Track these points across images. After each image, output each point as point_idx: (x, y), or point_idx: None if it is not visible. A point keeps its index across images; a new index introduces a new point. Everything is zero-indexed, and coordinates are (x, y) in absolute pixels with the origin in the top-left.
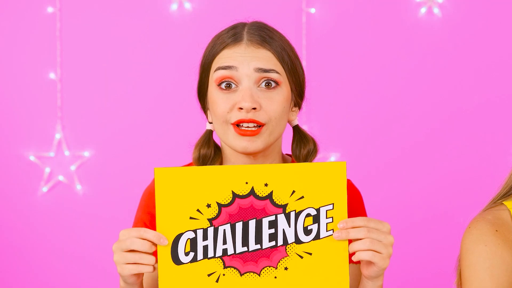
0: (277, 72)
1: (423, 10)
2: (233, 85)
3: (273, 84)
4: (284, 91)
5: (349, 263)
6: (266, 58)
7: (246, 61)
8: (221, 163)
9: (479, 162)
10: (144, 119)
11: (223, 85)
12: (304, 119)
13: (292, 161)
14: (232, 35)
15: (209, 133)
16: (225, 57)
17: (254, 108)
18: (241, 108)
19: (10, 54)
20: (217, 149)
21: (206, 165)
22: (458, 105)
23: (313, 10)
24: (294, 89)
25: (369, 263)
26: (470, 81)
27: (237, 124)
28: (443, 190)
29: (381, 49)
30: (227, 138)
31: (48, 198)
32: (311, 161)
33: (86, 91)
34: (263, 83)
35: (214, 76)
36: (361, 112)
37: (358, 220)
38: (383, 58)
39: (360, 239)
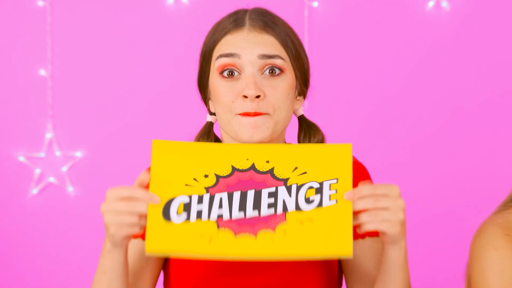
0: (281, 58)
1: (430, 3)
2: (236, 73)
3: (277, 71)
4: (288, 78)
5: (366, 236)
6: (269, 44)
7: (249, 47)
8: None
9: (490, 163)
10: (139, 118)
11: (225, 73)
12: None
13: None
14: (234, 20)
15: (209, 125)
16: (227, 44)
17: (258, 96)
18: (245, 97)
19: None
20: (218, 142)
21: None
22: (468, 102)
23: (315, 4)
24: (299, 76)
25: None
26: (480, 77)
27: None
28: (451, 192)
29: (387, 44)
30: (231, 128)
31: (39, 201)
32: None
33: (78, 89)
34: (267, 70)
35: (216, 64)
36: (364, 109)
37: (364, 189)
38: (389, 54)
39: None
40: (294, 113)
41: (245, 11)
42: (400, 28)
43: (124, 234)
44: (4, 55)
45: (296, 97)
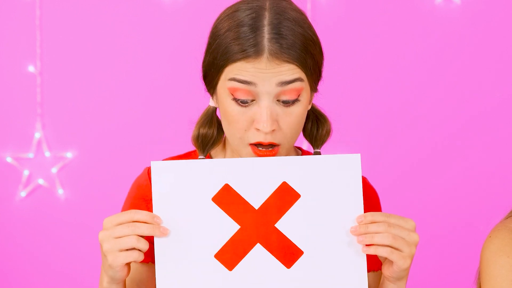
0: (301, 80)
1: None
2: (249, 101)
3: (290, 102)
4: (304, 100)
5: (368, 271)
6: (289, 71)
7: (267, 77)
8: (223, 146)
9: (500, 168)
10: (133, 117)
11: (239, 100)
12: None
13: (304, 153)
14: (253, 42)
15: (213, 110)
16: (242, 70)
17: (273, 130)
18: (258, 130)
19: None
20: (220, 129)
21: (205, 147)
22: (479, 103)
23: None
24: (313, 84)
25: (389, 262)
26: (492, 74)
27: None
28: (460, 196)
29: (394, 40)
30: (239, 149)
31: (27, 204)
32: (325, 141)
33: (69, 86)
34: (282, 100)
35: (228, 84)
36: (369, 108)
37: (377, 215)
38: (396, 50)
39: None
40: None
41: (263, 23)
42: (409, 24)
43: (122, 262)
44: None
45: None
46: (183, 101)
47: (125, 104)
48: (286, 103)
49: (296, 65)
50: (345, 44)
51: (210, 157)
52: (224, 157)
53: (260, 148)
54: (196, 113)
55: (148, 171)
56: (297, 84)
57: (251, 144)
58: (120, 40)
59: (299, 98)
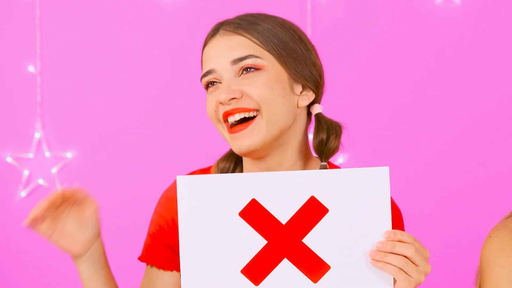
0: (256, 56)
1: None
2: (216, 82)
3: (252, 69)
4: (269, 74)
5: None
6: (240, 44)
7: (220, 55)
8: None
9: (501, 167)
10: (133, 116)
11: (209, 85)
12: None
13: (331, 167)
14: (212, 29)
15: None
16: (204, 59)
17: (235, 99)
18: (221, 103)
19: None
20: (239, 162)
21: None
22: (478, 103)
23: None
24: (293, 70)
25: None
26: (493, 74)
27: (229, 123)
28: (460, 194)
29: (394, 40)
30: (227, 141)
31: (27, 204)
32: (332, 155)
33: (68, 86)
34: (243, 72)
35: (203, 83)
36: (368, 110)
37: (406, 236)
38: (396, 50)
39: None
40: (311, 110)
41: (225, 20)
42: (409, 24)
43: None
44: None
45: (300, 93)
46: (183, 101)
47: (125, 104)
48: (246, 71)
49: (250, 39)
50: (345, 44)
51: None
52: None
53: (232, 126)
54: (196, 113)
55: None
56: (250, 60)
57: (225, 123)
58: (120, 40)
59: (262, 69)
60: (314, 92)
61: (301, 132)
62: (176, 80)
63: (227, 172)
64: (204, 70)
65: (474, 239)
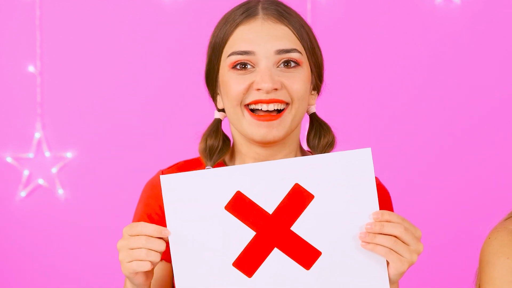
0: (298, 51)
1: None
2: (249, 66)
3: (293, 64)
4: (305, 71)
5: None
6: (286, 36)
7: (264, 41)
8: (231, 156)
9: (501, 168)
10: (133, 116)
11: (237, 66)
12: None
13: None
14: (246, 10)
15: (218, 122)
16: (239, 39)
17: (275, 89)
18: (259, 90)
19: None
20: (226, 140)
21: (212, 156)
22: (478, 103)
23: None
24: (314, 70)
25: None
26: (493, 74)
27: (253, 110)
28: (459, 196)
29: (394, 41)
30: (241, 125)
31: (27, 204)
32: (329, 152)
33: (69, 86)
34: (282, 64)
35: (228, 61)
36: (368, 110)
37: (394, 216)
38: (396, 50)
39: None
40: (307, 110)
41: (257, 1)
42: (408, 23)
43: (132, 271)
44: None
45: (311, 92)
46: (183, 101)
47: (125, 104)
48: (287, 65)
49: (291, 30)
50: (345, 44)
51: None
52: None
53: (261, 113)
54: (196, 113)
55: (162, 173)
56: (295, 54)
57: (247, 108)
58: (120, 40)
59: (301, 65)
60: (318, 92)
61: (299, 126)
62: (176, 80)
63: (216, 149)
64: (240, 49)
65: (473, 240)
